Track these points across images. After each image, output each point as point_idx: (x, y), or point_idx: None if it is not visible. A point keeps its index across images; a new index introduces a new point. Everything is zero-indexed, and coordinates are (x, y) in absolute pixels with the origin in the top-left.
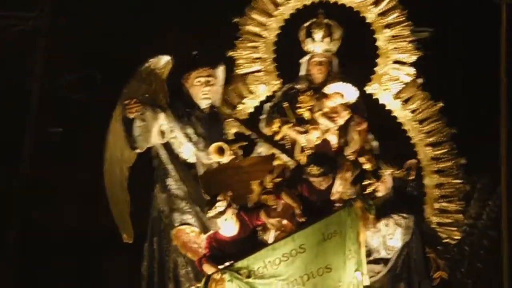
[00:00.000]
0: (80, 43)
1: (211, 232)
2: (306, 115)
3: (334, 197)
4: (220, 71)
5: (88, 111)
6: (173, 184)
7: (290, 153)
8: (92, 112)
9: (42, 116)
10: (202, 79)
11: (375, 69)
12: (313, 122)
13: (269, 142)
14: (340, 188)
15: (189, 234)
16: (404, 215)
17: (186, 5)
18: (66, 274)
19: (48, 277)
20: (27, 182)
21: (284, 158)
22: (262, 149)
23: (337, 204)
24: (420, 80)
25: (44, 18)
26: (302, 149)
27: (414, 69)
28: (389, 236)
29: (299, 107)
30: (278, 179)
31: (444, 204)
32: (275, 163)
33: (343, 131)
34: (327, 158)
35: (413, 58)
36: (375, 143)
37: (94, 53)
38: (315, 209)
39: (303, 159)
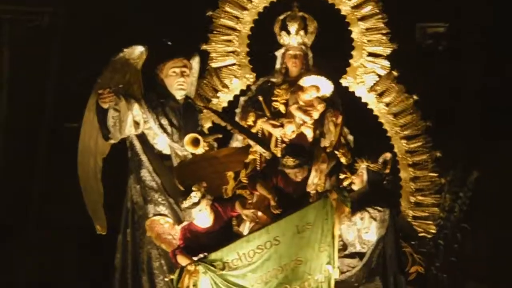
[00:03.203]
0: (95, 39)
1: (186, 223)
2: (282, 108)
3: (310, 188)
4: (195, 62)
5: None
6: (147, 175)
7: (265, 144)
8: None
9: (57, 112)
10: (177, 70)
11: (350, 61)
12: (288, 115)
13: (245, 133)
14: (316, 179)
15: (163, 225)
16: (379, 208)
17: None
18: None
19: None
20: (43, 178)
21: (259, 149)
22: (238, 143)
23: (312, 195)
24: (395, 73)
25: (60, 14)
26: (277, 143)
27: (389, 62)
28: (364, 230)
29: (275, 101)
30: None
31: (419, 197)
32: (250, 157)
33: (319, 122)
34: (303, 150)
35: (388, 51)
36: (350, 137)
37: (110, 49)
38: (291, 201)
39: (278, 153)
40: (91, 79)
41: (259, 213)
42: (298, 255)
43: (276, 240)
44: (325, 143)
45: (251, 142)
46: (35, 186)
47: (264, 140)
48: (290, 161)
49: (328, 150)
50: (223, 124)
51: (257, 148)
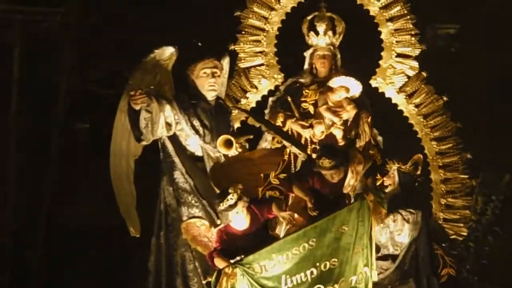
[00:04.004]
0: (107, 38)
1: (222, 225)
2: (311, 109)
3: (347, 190)
4: (226, 62)
5: (115, 106)
6: (180, 177)
7: (301, 145)
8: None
9: (69, 112)
10: (208, 71)
11: (379, 62)
12: (317, 116)
13: (280, 134)
14: (352, 181)
15: (199, 227)
16: (412, 210)
17: None
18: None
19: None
20: (55, 179)
21: (295, 150)
22: (267, 144)
23: (349, 197)
24: (424, 74)
25: (72, 13)
26: (306, 144)
27: (417, 63)
28: (397, 232)
29: (303, 101)
30: (283, 175)
31: (450, 199)
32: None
33: (353, 123)
34: (338, 151)
35: (417, 51)
36: (380, 138)
37: (121, 48)
38: (328, 202)
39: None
40: (103, 78)
41: (295, 215)
42: (333, 256)
43: (312, 242)
44: (360, 144)
45: (287, 143)
46: (47, 187)
47: (299, 141)
48: (326, 162)
49: (364, 151)
50: (257, 125)
51: (293, 149)
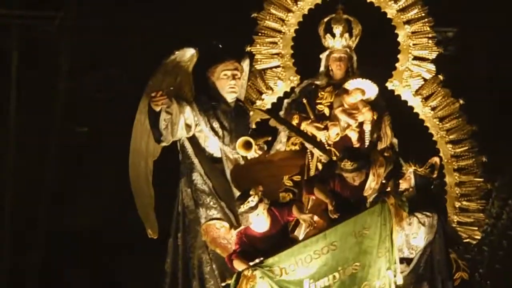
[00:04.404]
0: (104, 42)
1: (242, 227)
2: (326, 111)
3: (368, 193)
4: (246, 64)
5: (113, 110)
6: (199, 178)
7: (323, 147)
8: (117, 110)
9: (67, 115)
10: (229, 72)
11: (396, 65)
12: (333, 118)
13: (302, 136)
14: (373, 184)
15: (219, 229)
16: (428, 213)
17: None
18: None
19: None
20: (53, 181)
21: (317, 152)
22: (281, 145)
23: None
24: (440, 77)
25: (69, 18)
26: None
27: (434, 66)
28: (412, 235)
29: (319, 103)
30: (298, 177)
31: (464, 203)
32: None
33: (376, 126)
34: (361, 153)
35: (434, 54)
36: (394, 140)
37: (119, 52)
38: (348, 205)
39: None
40: (101, 82)
41: (315, 218)
42: (355, 260)
43: (333, 245)
44: (381, 146)
45: (309, 145)
46: (46, 190)
47: (321, 143)
48: (348, 164)
49: (386, 154)
50: (279, 127)
51: (315, 151)
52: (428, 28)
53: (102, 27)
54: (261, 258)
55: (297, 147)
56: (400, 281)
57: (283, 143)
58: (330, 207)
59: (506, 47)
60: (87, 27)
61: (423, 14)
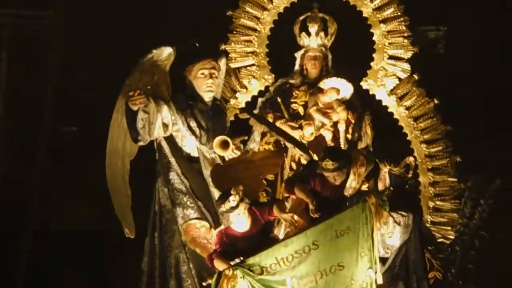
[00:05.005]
0: (94, 41)
1: (222, 227)
2: (300, 110)
3: (348, 192)
4: (222, 63)
5: (102, 109)
6: (176, 178)
7: (304, 147)
8: (106, 110)
9: (56, 114)
10: (206, 72)
11: (371, 64)
12: (307, 117)
13: (283, 135)
14: (354, 183)
15: (199, 229)
16: (403, 213)
17: None
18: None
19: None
20: (41, 181)
21: (298, 152)
22: (255, 145)
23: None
24: (415, 76)
25: (58, 17)
26: None
27: (409, 65)
28: (388, 234)
29: (293, 102)
30: (271, 176)
31: (438, 202)
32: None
33: (357, 125)
34: (342, 153)
35: (409, 54)
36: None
37: (108, 51)
38: (328, 205)
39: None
40: (90, 81)
41: (296, 217)
42: (338, 259)
43: (315, 245)
44: (361, 145)
45: (289, 145)
46: (35, 190)
47: (302, 143)
48: (329, 164)
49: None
50: (259, 126)
51: (296, 151)
52: (404, 27)
53: (91, 27)
54: (242, 258)
55: (271, 146)
56: (380, 281)
57: (256, 142)
58: (311, 207)
59: (492, 47)
60: (77, 26)
61: (399, 13)
